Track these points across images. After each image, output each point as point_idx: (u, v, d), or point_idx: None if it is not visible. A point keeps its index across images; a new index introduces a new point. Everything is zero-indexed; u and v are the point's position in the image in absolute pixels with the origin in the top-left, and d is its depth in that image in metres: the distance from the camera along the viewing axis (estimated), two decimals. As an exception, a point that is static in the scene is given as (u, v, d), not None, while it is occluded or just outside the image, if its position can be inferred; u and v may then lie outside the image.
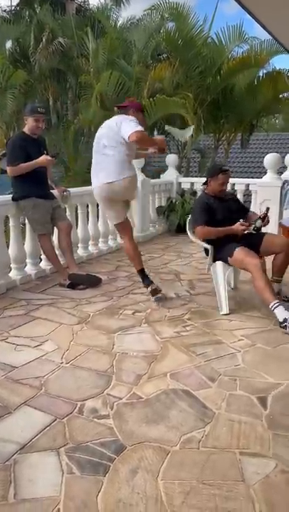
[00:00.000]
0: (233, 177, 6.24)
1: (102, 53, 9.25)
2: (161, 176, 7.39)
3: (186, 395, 2.27)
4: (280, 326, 3.05)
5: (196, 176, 11.77)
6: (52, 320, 3.29)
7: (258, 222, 3.41)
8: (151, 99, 7.99)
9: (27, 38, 10.19)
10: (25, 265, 4.38)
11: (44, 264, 4.55)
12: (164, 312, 3.43)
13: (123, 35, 10.29)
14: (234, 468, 1.75)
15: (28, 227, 4.34)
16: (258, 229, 3.43)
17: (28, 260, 4.39)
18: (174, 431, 1.98)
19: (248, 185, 6.53)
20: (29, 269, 4.40)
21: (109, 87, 8.47)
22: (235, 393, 2.28)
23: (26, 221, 4.28)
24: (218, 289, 3.45)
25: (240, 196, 6.61)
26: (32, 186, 4.00)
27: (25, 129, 4.04)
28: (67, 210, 4.65)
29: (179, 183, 7.19)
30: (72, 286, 4.04)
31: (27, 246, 4.35)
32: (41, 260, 4.56)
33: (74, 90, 10.43)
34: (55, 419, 2.07)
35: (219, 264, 3.48)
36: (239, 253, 3.30)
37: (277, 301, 3.10)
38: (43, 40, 9.67)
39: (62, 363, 2.62)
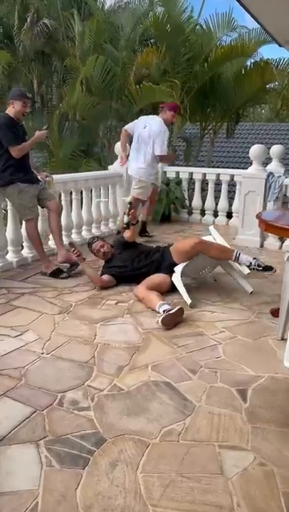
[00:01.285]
0: (219, 167, 6.24)
1: (88, 37, 9.06)
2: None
3: (167, 387, 2.27)
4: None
5: (181, 165, 11.72)
6: (33, 309, 3.26)
7: (126, 218, 3.68)
8: (137, 86, 7.88)
9: (11, 17, 9.91)
10: (7, 252, 4.32)
11: (26, 252, 4.49)
12: (146, 303, 3.41)
13: (110, 18, 10.08)
14: (213, 461, 1.77)
15: (10, 213, 4.26)
16: (128, 224, 3.72)
17: (9, 247, 4.32)
18: (154, 423, 1.99)
19: (232, 175, 6.54)
20: (10, 256, 4.33)
21: (95, 71, 8.32)
22: (216, 385, 2.30)
23: (9, 207, 4.21)
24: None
25: (224, 186, 6.64)
26: (16, 172, 3.94)
27: (11, 113, 3.96)
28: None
29: (164, 172, 7.14)
30: (54, 274, 4.01)
31: (8, 233, 4.27)
32: (23, 248, 4.50)
33: (59, 74, 10.22)
34: (35, 411, 2.06)
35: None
36: (139, 290, 3.45)
37: (160, 302, 3.20)
38: (28, 20, 9.40)
39: (43, 353, 2.60)
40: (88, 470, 1.71)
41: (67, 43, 9.79)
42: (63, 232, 4.95)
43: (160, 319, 2.96)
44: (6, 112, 4.00)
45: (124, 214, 3.65)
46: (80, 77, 8.38)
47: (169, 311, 3.02)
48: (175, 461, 1.76)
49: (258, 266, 3.56)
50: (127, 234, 3.83)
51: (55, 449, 1.82)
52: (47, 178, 4.36)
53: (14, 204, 4.08)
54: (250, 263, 3.55)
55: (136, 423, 1.99)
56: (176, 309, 3.05)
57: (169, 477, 1.68)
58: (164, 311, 3.04)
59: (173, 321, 3.01)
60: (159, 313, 3.10)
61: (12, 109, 3.95)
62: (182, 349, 2.68)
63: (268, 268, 3.56)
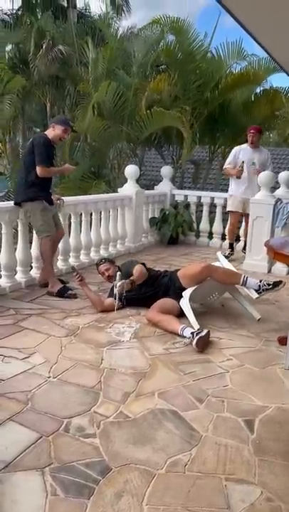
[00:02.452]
0: (226, 191, 6.31)
1: (101, 63, 9.28)
2: (155, 187, 7.41)
3: (174, 415, 2.26)
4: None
5: (189, 188, 11.83)
6: (40, 331, 3.27)
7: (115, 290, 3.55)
8: (148, 111, 8.03)
9: (27, 43, 10.20)
10: (16, 273, 4.36)
11: (34, 272, 4.52)
12: (154, 328, 3.42)
13: (123, 44, 10.35)
14: (220, 494, 1.74)
15: (20, 234, 4.32)
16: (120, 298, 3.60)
17: (18, 268, 4.36)
18: (160, 453, 1.97)
19: (241, 200, 6.57)
20: (19, 276, 4.37)
21: (107, 96, 8.49)
22: (223, 415, 2.28)
23: (20, 228, 4.29)
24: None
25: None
26: (42, 190, 4.09)
27: (49, 135, 4.10)
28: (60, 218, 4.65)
29: (173, 195, 7.22)
30: (61, 294, 4.06)
31: (18, 253, 4.32)
32: (32, 268, 4.54)
33: (72, 98, 10.44)
34: (41, 437, 2.05)
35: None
36: (153, 315, 3.46)
37: (182, 325, 3.25)
38: (43, 46, 9.68)
39: (49, 377, 2.60)
40: (93, 500, 1.69)
41: (81, 69, 10.03)
42: (71, 253, 5.00)
43: (195, 342, 3.01)
44: (45, 132, 4.18)
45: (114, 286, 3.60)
46: (92, 101, 8.55)
47: (199, 333, 3.07)
48: (181, 493, 1.74)
49: (267, 285, 3.57)
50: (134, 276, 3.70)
51: (61, 477, 1.81)
52: (58, 201, 4.45)
53: (34, 221, 4.12)
54: (259, 286, 3.57)
55: (142, 452, 1.97)
56: (206, 332, 3.09)
57: (174, 510, 1.66)
58: (193, 334, 3.08)
59: (206, 343, 3.06)
60: (183, 336, 3.15)
61: (52, 132, 4.10)
62: (189, 376, 2.67)
63: (277, 284, 3.58)
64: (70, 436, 2.07)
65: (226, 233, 6.40)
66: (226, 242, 6.43)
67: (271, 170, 5.67)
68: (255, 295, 3.64)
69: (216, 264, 3.95)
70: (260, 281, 3.62)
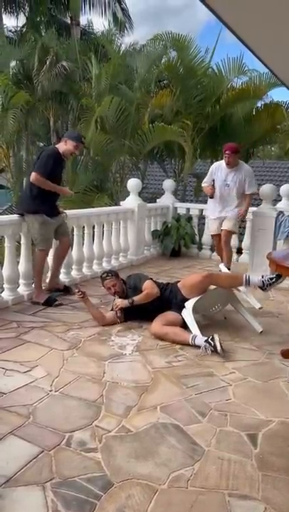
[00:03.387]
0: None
1: (104, 78, 9.41)
2: (158, 200, 7.45)
3: (176, 429, 2.24)
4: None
5: (191, 201, 11.88)
6: (42, 344, 3.27)
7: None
8: (150, 125, 8.12)
9: (31, 59, 10.35)
10: (18, 286, 4.37)
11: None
12: (156, 341, 3.41)
13: (126, 60, 10.51)
14: (223, 510, 1.72)
15: (23, 247, 4.35)
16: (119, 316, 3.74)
17: (21, 281, 4.37)
18: (162, 468, 1.95)
19: (243, 213, 6.59)
20: (22, 289, 4.37)
21: (109, 111, 8.59)
22: (226, 429, 2.26)
23: (22, 241, 4.33)
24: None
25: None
26: (44, 204, 4.16)
27: (60, 149, 4.19)
28: None
29: (175, 208, 7.25)
30: (49, 303, 4.15)
31: (21, 266, 4.34)
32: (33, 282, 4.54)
33: (75, 112, 10.57)
34: (42, 451, 2.03)
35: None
36: (157, 328, 3.48)
37: (193, 334, 3.33)
38: (47, 62, 9.81)
39: (51, 390, 2.59)
40: (95, 516, 1.67)
41: (84, 84, 10.17)
42: (74, 266, 5.02)
43: (219, 347, 3.08)
44: (57, 146, 4.26)
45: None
46: (95, 115, 8.65)
47: (213, 338, 3.15)
48: (183, 509, 1.72)
49: (270, 279, 3.57)
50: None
51: (62, 492, 1.79)
52: (61, 215, 4.51)
53: (33, 232, 4.21)
54: (263, 282, 3.59)
55: (144, 467, 1.95)
56: (217, 337, 3.16)
57: (177, 527, 1.63)
58: (208, 341, 3.15)
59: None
60: (195, 345, 3.21)
61: (63, 146, 4.18)
62: (191, 390, 2.65)
63: (279, 276, 3.57)
64: (72, 450, 2.05)
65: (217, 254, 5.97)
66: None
67: (254, 186, 5.24)
68: (258, 305, 3.64)
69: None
70: (263, 277, 3.61)
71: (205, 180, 5.51)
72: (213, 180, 5.28)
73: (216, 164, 5.46)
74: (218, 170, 5.31)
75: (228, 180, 5.21)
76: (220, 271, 4.17)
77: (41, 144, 15.40)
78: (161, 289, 3.77)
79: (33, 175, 4.04)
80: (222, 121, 9.22)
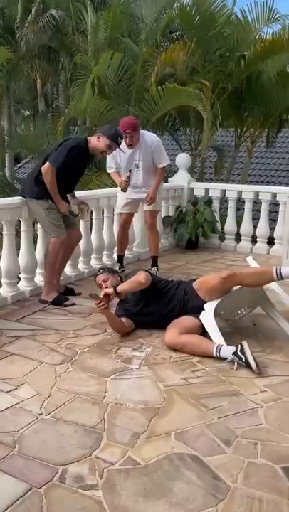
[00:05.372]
0: (257, 183, 6.29)
1: (103, 29, 9.38)
2: (170, 179, 7.42)
3: (195, 461, 2.22)
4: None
5: (211, 180, 11.84)
6: (30, 357, 3.27)
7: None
8: (159, 87, 8.07)
9: (13, 8, 10.36)
10: (0, 286, 4.42)
11: (23, 285, 4.56)
12: (169, 352, 3.40)
13: (129, 7, 10.46)
14: None
15: (5, 243, 4.41)
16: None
17: (3, 280, 4.42)
18: (178, 509, 1.94)
19: (274, 194, 6.56)
20: (4, 290, 4.41)
21: (109, 70, 8.57)
22: (256, 462, 2.24)
23: (5, 232, 4.40)
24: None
25: (265, 207, 6.66)
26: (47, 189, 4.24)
27: (91, 143, 4.28)
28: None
29: (191, 189, 7.22)
30: (58, 303, 4.27)
31: (3, 264, 4.39)
32: (19, 280, 4.57)
33: (67, 72, 10.57)
34: (31, 488, 2.03)
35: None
36: (173, 338, 3.46)
37: (217, 343, 3.31)
38: (33, 11, 9.81)
39: (41, 414, 2.59)
40: None
41: (78, 37, 10.16)
42: (69, 262, 5.02)
43: (253, 364, 3.04)
44: (88, 138, 4.34)
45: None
46: (91, 76, 8.63)
47: (243, 350, 3.12)
48: None
49: None
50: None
51: (55, 539, 1.79)
52: (82, 206, 4.65)
53: (41, 220, 4.41)
54: None
55: (155, 508, 1.94)
56: (248, 347, 3.12)
57: None
58: (238, 354, 3.12)
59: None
60: (220, 358, 3.19)
61: (94, 141, 4.27)
62: (213, 413, 2.64)
63: None
64: (67, 487, 2.05)
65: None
66: (257, 245, 6.39)
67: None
68: None
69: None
70: None
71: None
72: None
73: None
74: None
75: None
76: (254, 264, 4.11)
77: (27, 113, 15.45)
78: (170, 289, 3.75)
79: (46, 167, 4.15)
80: (248, 81, 9.18)
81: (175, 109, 8.94)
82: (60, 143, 4.32)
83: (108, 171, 5.31)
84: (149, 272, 3.81)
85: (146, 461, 2.22)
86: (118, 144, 4.36)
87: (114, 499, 1.99)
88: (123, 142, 4.78)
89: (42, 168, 4.18)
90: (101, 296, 3.55)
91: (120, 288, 3.59)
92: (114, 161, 5.12)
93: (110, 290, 3.58)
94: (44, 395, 2.77)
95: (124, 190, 5.00)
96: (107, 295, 3.56)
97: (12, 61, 10.11)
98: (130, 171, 4.94)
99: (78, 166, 4.38)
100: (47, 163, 4.16)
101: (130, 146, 4.95)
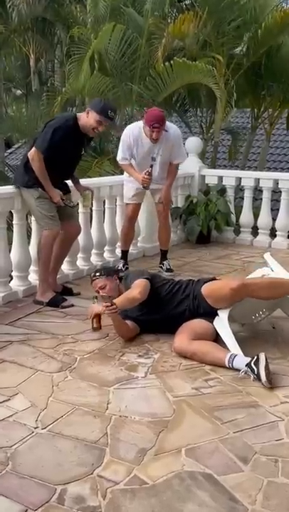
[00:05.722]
0: (276, 169, 6.28)
1: (103, -1, 9.37)
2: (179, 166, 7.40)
3: (208, 481, 2.23)
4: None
5: (225, 166, 11.81)
6: (24, 364, 3.29)
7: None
8: (167, 63, 8.05)
9: (3, -26, 10.37)
10: (11, 279, 4.53)
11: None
12: (179, 359, 3.40)
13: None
14: None
15: (16, 228, 4.52)
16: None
17: (14, 273, 4.54)
18: (190, 534, 1.95)
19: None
20: (15, 284, 4.54)
21: (111, 45, 8.56)
22: (276, 481, 2.24)
23: (15, 218, 4.51)
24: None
25: (285, 196, 6.65)
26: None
27: (80, 120, 4.24)
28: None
29: (203, 177, 7.21)
30: (54, 304, 4.28)
31: (14, 254, 4.49)
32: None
33: (63, 47, 10.57)
34: (26, 510, 2.04)
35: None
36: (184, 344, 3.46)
37: (231, 353, 3.29)
38: (25, -22, 9.83)
39: (37, 427, 2.60)
40: None
41: (75, 8, 10.15)
42: (67, 258, 5.04)
43: (264, 377, 3.01)
44: (78, 114, 4.31)
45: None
46: (90, 51, 8.62)
47: (258, 362, 3.09)
48: None
49: None
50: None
51: None
52: (86, 192, 4.67)
53: (32, 210, 4.42)
54: None
55: (164, 532, 1.95)
56: (264, 358, 3.09)
57: None
58: (251, 366, 3.10)
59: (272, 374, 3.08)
60: (233, 369, 3.17)
61: (84, 118, 4.23)
62: (228, 427, 2.64)
63: None
64: (66, 509, 2.05)
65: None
66: (276, 240, 6.37)
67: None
68: None
69: (263, 270, 3.92)
70: None
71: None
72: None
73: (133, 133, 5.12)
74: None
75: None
76: (272, 261, 4.07)
77: (18, 92, 15.44)
78: (176, 292, 3.75)
79: (32, 152, 4.16)
80: (267, 55, 9.14)
81: (184, 87, 8.91)
82: (45, 124, 4.30)
83: (121, 162, 5.27)
84: (149, 279, 3.76)
85: (154, 480, 2.22)
86: (109, 118, 4.28)
87: (119, 522, 2.00)
88: (144, 134, 4.85)
89: (28, 153, 4.19)
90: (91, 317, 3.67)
91: (119, 305, 3.55)
92: (130, 152, 5.11)
93: (100, 309, 3.58)
94: (40, 407, 2.78)
95: (146, 188, 5.05)
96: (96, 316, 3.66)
97: (2, 34, 10.12)
98: (152, 166, 4.96)
99: (69, 147, 4.27)
100: (33, 149, 4.16)
101: (155, 140, 4.95)
